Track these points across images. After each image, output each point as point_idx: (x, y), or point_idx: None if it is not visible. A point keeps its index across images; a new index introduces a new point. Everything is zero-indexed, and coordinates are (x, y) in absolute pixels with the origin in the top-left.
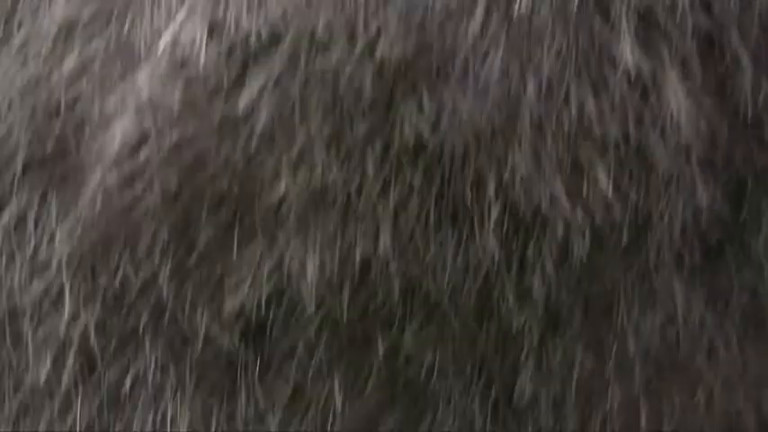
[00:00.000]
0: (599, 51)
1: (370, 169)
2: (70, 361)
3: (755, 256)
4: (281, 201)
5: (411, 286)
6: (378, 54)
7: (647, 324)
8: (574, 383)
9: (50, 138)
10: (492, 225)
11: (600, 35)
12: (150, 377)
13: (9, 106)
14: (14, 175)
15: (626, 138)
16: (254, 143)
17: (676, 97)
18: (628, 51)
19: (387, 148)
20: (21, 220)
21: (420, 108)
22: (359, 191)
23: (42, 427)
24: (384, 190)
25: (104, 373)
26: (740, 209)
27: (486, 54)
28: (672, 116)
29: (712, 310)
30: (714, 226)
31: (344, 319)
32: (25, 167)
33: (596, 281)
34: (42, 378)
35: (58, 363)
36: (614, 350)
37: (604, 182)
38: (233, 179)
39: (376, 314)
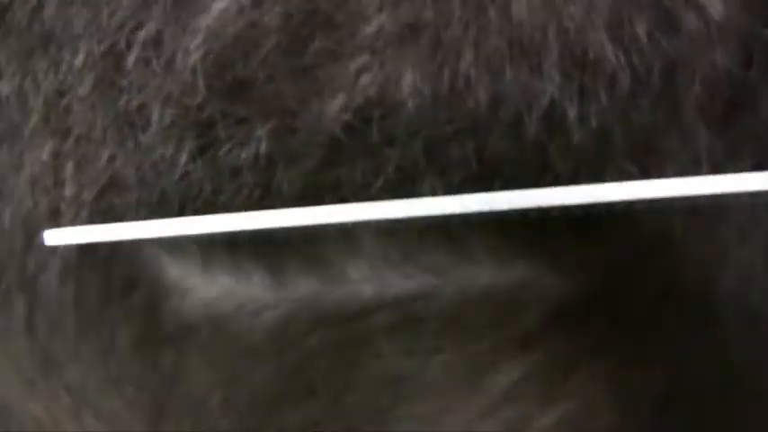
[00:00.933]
0: None
1: (456, 9)
2: (191, 142)
3: (762, 114)
4: (380, 30)
5: (495, 97)
6: None
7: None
8: None
9: None
10: (554, 60)
11: None
12: (261, 155)
13: None
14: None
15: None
16: None
17: None
18: None
19: None
20: (159, 34)
21: None
22: (446, 26)
23: (157, 191)
24: (467, 27)
25: (219, 150)
26: (749, 70)
27: None
28: None
29: (730, 160)
30: (729, 83)
31: (438, 121)
32: None
33: (638, 111)
34: (167, 156)
35: (180, 144)
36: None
37: (641, 33)
38: (339, 8)
39: (466, 118)
